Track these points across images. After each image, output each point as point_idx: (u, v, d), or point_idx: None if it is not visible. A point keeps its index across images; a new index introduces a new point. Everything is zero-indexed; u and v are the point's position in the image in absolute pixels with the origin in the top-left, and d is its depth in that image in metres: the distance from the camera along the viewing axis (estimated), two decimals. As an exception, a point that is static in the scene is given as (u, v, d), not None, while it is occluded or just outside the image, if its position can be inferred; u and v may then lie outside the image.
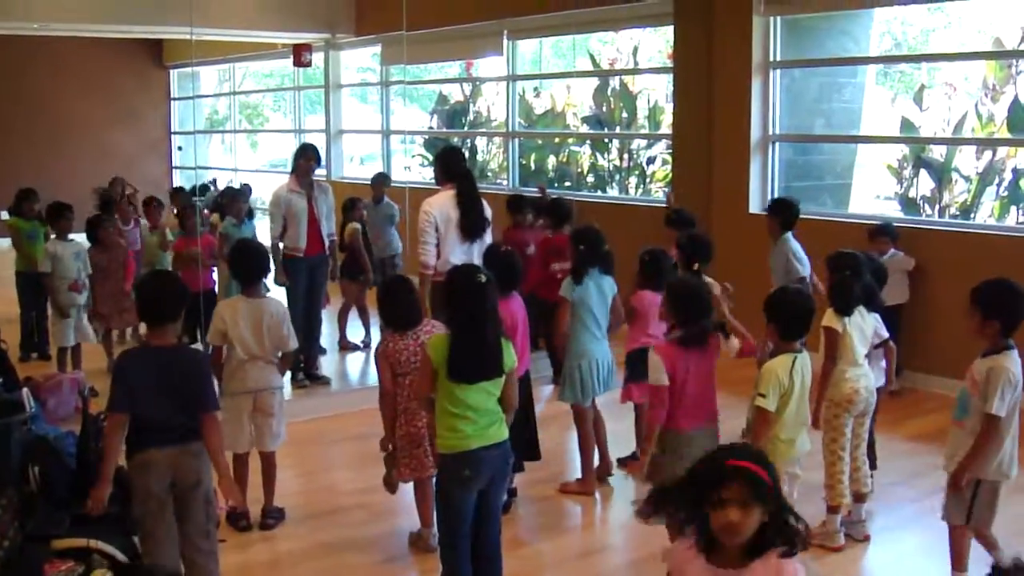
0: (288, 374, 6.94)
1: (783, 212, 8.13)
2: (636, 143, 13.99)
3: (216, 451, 4.75)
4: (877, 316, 6.07)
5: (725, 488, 2.92)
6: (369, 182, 11.96)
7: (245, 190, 12.45)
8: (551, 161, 14.99)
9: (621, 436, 7.23)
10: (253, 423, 6.13)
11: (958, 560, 5.11)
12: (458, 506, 4.71)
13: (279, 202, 8.93)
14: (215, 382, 5.17)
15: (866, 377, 5.89)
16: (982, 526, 5.04)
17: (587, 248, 6.62)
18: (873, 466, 6.43)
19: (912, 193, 11.27)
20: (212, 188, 15.22)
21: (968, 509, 4.98)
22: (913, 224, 9.67)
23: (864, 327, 5.90)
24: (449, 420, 4.64)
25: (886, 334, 6.18)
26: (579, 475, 6.90)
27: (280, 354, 6.17)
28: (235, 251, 6.61)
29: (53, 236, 9.37)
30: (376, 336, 10.50)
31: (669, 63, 11.59)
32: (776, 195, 10.37)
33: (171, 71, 21.06)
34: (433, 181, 8.37)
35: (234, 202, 10.64)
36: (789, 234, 8.00)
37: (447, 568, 4.84)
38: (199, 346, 8.32)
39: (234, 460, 5.98)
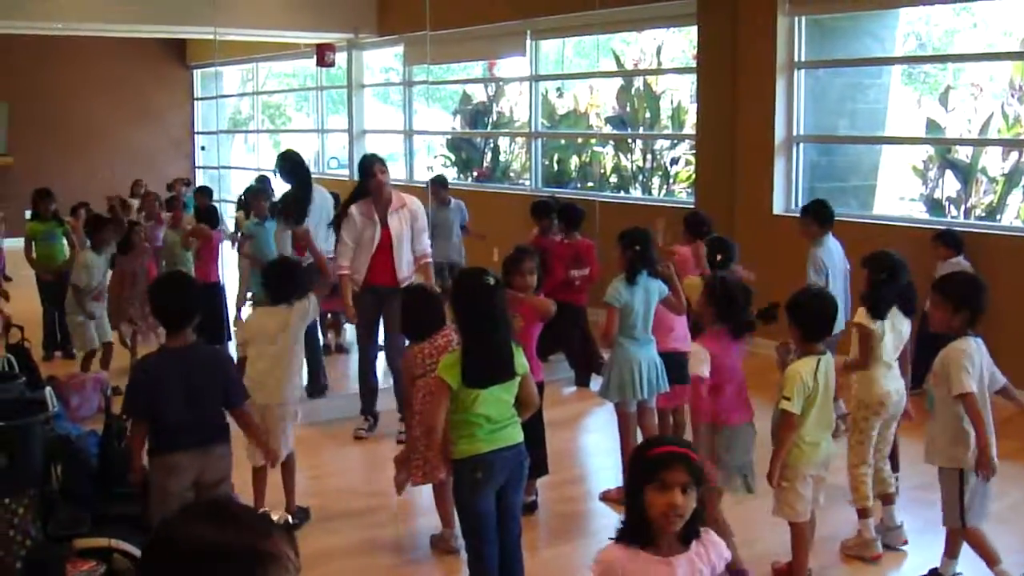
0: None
1: (807, 212, 8.12)
2: (659, 144, 13.97)
3: (256, 433, 5.04)
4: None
5: (668, 472, 3.04)
6: (427, 185, 11.62)
7: (265, 185, 12.46)
8: (574, 162, 14.96)
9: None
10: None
11: (987, 559, 5.11)
12: (477, 511, 4.67)
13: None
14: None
15: (897, 380, 5.86)
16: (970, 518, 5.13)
17: (642, 249, 6.46)
18: (896, 468, 6.38)
19: (938, 194, 11.20)
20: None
21: (960, 505, 5.05)
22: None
23: (898, 330, 5.85)
24: (463, 428, 4.60)
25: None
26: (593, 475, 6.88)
27: None
28: (271, 267, 6.71)
29: (88, 246, 9.36)
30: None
31: (693, 63, 11.54)
32: (800, 196, 10.33)
33: (194, 71, 21.13)
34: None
35: (256, 200, 10.66)
36: (824, 237, 7.93)
37: None
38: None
39: (253, 473, 6.03)
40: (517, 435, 4.72)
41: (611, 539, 3.20)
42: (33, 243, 10.27)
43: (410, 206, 7.97)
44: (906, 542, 5.84)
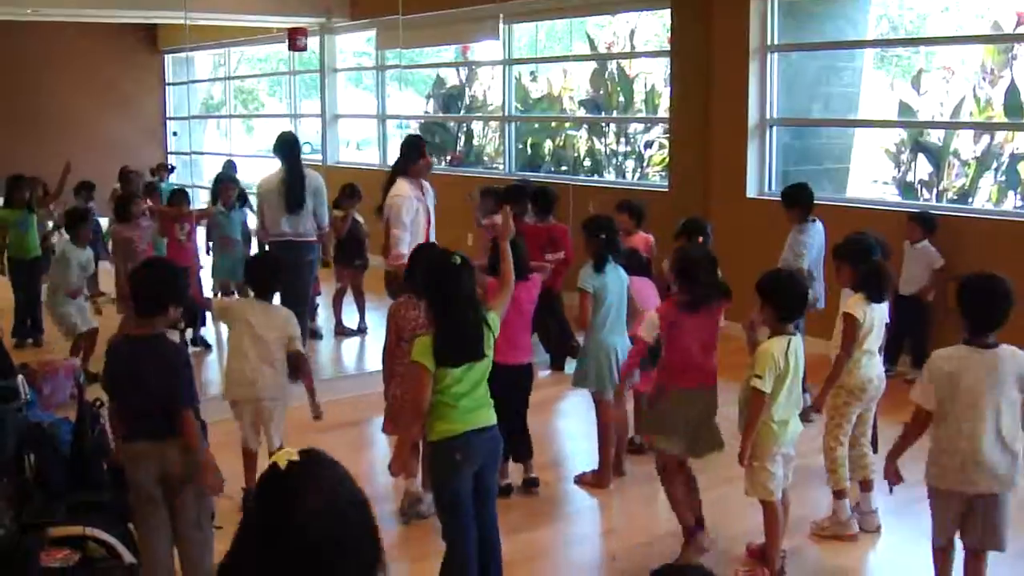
0: None
1: (787, 198, 8.15)
2: (633, 127, 13.96)
3: (194, 448, 4.62)
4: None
5: None
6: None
7: (231, 171, 12.46)
8: (548, 145, 14.94)
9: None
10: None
11: None
12: (455, 492, 4.70)
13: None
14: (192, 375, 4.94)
15: (878, 366, 5.89)
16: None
17: (607, 237, 6.55)
18: (874, 450, 6.42)
19: (910, 177, 11.25)
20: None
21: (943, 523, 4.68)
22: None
23: (881, 315, 5.87)
24: (437, 409, 4.63)
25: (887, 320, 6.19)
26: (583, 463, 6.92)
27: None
28: (254, 261, 6.75)
29: (67, 239, 9.30)
30: (371, 321, 10.48)
31: (666, 47, 11.54)
32: (774, 179, 10.37)
33: (165, 56, 20.97)
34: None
35: (224, 189, 10.64)
36: (806, 222, 7.96)
37: (453, 557, 4.79)
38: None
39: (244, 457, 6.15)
40: (491, 417, 4.77)
41: None
42: (6, 233, 10.17)
43: (429, 187, 8.07)
44: (879, 527, 5.88)
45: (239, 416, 6.14)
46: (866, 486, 5.95)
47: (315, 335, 10.43)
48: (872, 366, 5.83)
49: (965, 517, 4.59)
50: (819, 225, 8.02)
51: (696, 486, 5.58)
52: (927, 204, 10.35)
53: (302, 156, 9.10)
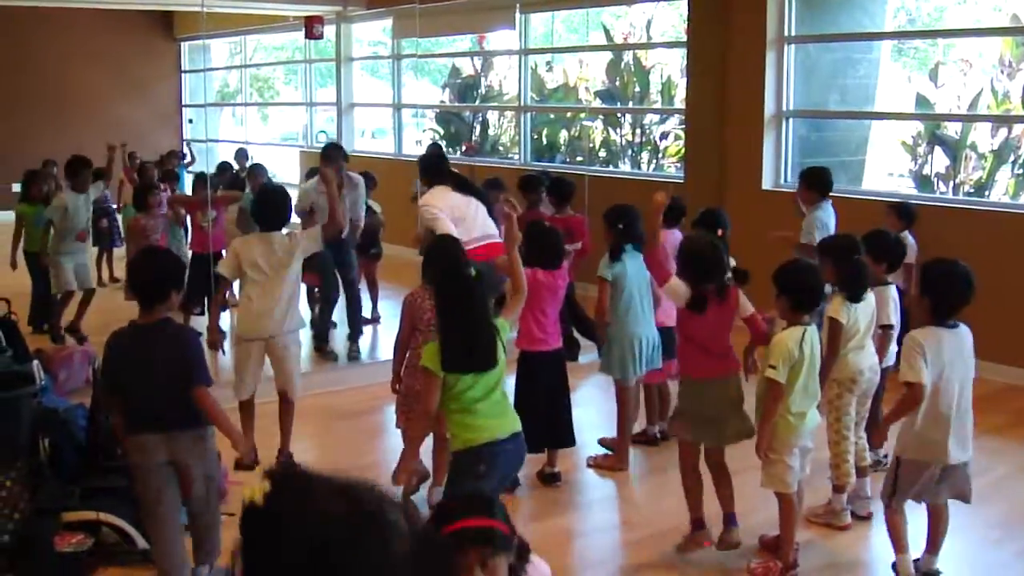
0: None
1: (807, 179, 8.20)
2: (649, 118, 13.94)
3: (218, 420, 4.67)
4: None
5: (461, 556, 2.67)
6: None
7: (241, 158, 12.54)
8: (563, 136, 14.92)
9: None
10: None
11: (896, 543, 5.09)
12: None
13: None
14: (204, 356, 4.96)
15: (871, 357, 5.89)
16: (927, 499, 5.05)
17: (626, 226, 6.54)
18: (880, 444, 6.41)
19: (927, 170, 11.21)
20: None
21: (891, 485, 4.98)
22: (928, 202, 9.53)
23: (868, 308, 5.87)
24: (457, 417, 4.62)
25: (893, 320, 6.18)
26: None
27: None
28: (260, 194, 6.73)
29: (68, 187, 9.58)
30: (384, 311, 10.48)
31: (683, 37, 11.50)
32: (790, 171, 10.34)
33: (182, 43, 20.99)
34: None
35: (253, 177, 10.67)
36: (823, 202, 8.03)
37: None
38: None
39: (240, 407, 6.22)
40: (515, 423, 4.73)
41: None
42: (23, 227, 10.19)
43: None
44: (871, 513, 5.90)
45: (245, 357, 6.08)
46: (861, 472, 5.96)
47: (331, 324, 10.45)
48: (863, 358, 5.84)
49: (936, 483, 4.93)
50: (830, 206, 8.07)
51: (730, 478, 5.53)
52: (943, 197, 10.33)
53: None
